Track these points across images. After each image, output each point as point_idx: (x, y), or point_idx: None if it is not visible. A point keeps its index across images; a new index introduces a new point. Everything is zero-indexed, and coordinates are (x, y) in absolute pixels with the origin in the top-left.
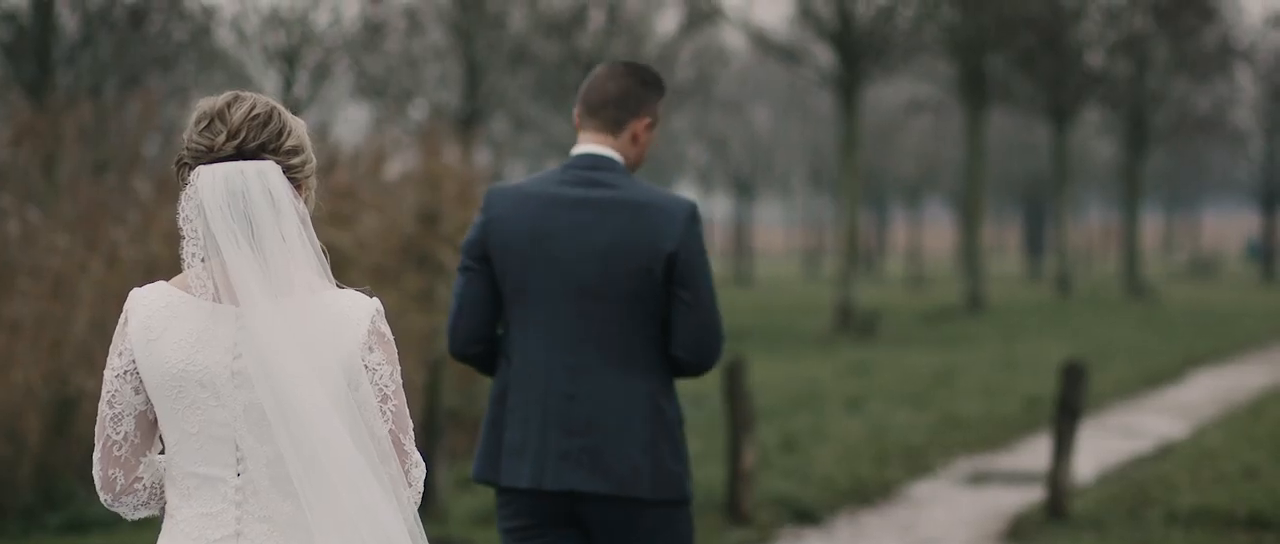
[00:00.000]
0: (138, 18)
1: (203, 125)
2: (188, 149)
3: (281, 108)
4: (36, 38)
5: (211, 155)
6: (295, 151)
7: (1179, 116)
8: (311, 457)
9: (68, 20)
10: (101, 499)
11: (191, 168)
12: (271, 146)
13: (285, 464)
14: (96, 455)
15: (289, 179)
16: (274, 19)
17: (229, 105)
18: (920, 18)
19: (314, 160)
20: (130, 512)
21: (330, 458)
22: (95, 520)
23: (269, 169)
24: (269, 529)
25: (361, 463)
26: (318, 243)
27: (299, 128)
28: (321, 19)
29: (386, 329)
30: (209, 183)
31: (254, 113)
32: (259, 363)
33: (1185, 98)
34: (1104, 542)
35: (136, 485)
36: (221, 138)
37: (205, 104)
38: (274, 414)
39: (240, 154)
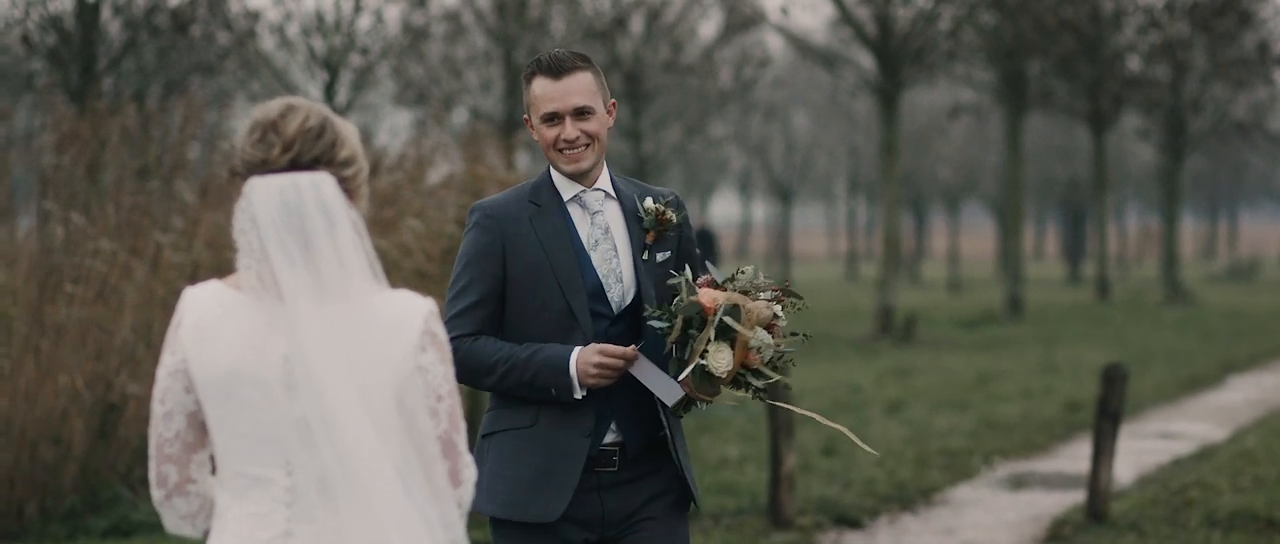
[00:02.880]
0: (181, 23)
1: (256, 137)
2: (242, 160)
3: (333, 116)
4: (81, 44)
5: (266, 167)
6: (348, 163)
7: (1217, 121)
8: (346, 460)
9: (112, 26)
10: (154, 497)
11: (245, 178)
12: (325, 159)
13: (328, 464)
14: (150, 452)
15: (342, 189)
16: (316, 25)
17: (283, 116)
18: (959, 23)
19: (366, 167)
20: (176, 519)
21: (365, 463)
22: (140, 524)
23: (323, 181)
24: (318, 530)
25: (391, 471)
26: (372, 250)
27: (351, 137)
28: (363, 25)
29: (440, 330)
30: (263, 196)
31: (307, 125)
32: (305, 370)
33: (1224, 103)
34: None
35: (189, 487)
36: (276, 151)
37: (259, 114)
38: (315, 419)
39: (294, 166)
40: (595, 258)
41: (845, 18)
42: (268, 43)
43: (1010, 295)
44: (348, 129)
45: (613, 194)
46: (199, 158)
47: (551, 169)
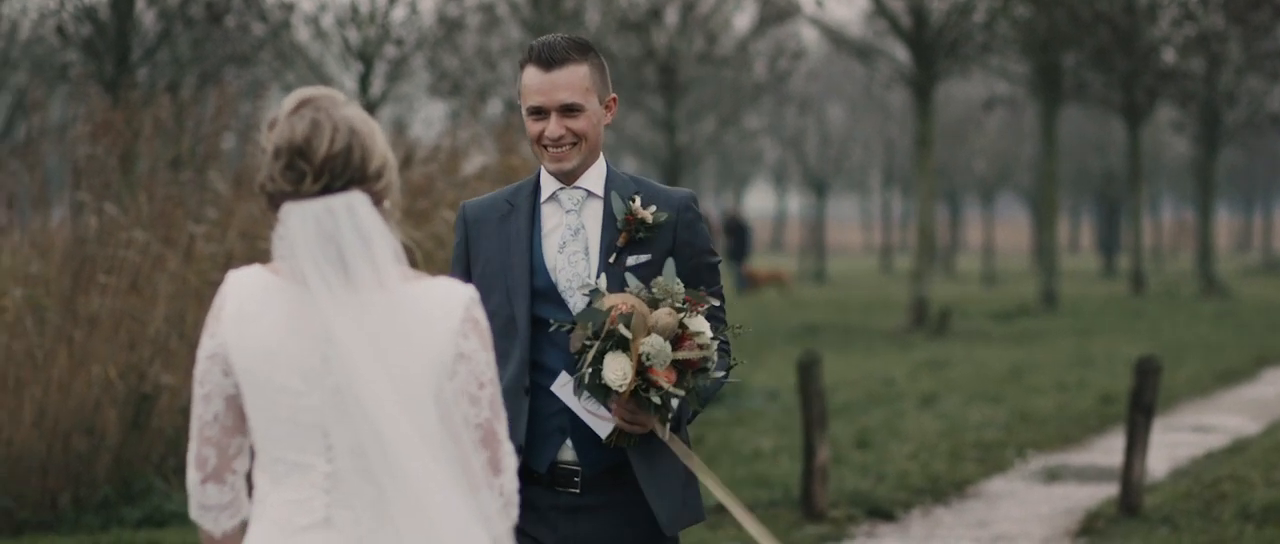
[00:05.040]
0: (216, 14)
1: (283, 163)
2: (272, 186)
3: (355, 121)
4: (115, 35)
5: (298, 195)
6: (379, 174)
7: (1252, 114)
8: (388, 450)
9: (146, 17)
10: (189, 480)
11: (274, 201)
12: (357, 178)
13: (368, 454)
14: (191, 435)
15: (374, 199)
16: (351, 16)
17: (308, 140)
18: (994, 14)
19: (393, 161)
20: (201, 508)
21: (406, 453)
22: (173, 515)
23: (357, 203)
24: (357, 516)
25: (433, 461)
26: (402, 252)
27: (377, 142)
28: (398, 16)
29: (482, 316)
30: (299, 225)
31: (335, 149)
32: (343, 363)
33: (1258, 95)
34: (1177, 538)
35: (228, 476)
36: (307, 181)
37: (282, 136)
38: (354, 409)
39: (326, 191)
40: (561, 261)
41: (880, 10)
42: (302, 34)
43: (1044, 288)
44: (371, 131)
45: (597, 193)
46: (233, 148)
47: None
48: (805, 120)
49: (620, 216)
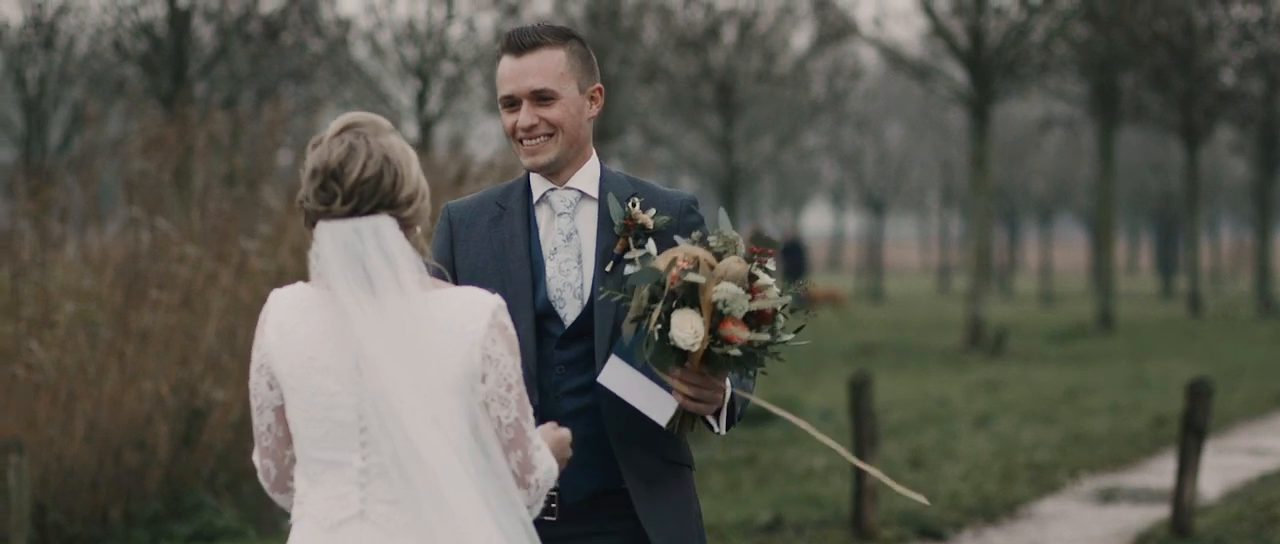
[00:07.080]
0: (273, 30)
1: (317, 184)
2: (308, 203)
3: (391, 149)
4: (172, 50)
5: (329, 215)
6: (409, 201)
7: None
8: (415, 452)
9: (203, 33)
10: (262, 483)
11: (309, 221)
12: (386, 203)
13: (400, 455)
14: (255, 444)
15: (403, 224)
16: (408, 33)
17: (342, 164)
18: (1052, 35)
19: (426, 190)
20: (281, 505)
21: (433, 456)
22: (223, 530)
23: (384, 226)
24: (391, 511)
25: (457, 464)
26: (427, 272)
27: (409, 169)
28: (455, 33)
29: (508, 322)
30: (329, 243)
31: (366, 175)
32: (372, 369)
33: None
34: None
35: (288, 484)
36: (337, 202)
37: (319, 158)
38: (387, 414)
39: (355, 213)
40: (551, 267)
41: (938, 30)
42: (360, 51)
43: (1101, 309)
44: (406, 161)
45: (591, 194)
46: (287, 164)
47: None
48: (863, 140)
49: (618, 221)
